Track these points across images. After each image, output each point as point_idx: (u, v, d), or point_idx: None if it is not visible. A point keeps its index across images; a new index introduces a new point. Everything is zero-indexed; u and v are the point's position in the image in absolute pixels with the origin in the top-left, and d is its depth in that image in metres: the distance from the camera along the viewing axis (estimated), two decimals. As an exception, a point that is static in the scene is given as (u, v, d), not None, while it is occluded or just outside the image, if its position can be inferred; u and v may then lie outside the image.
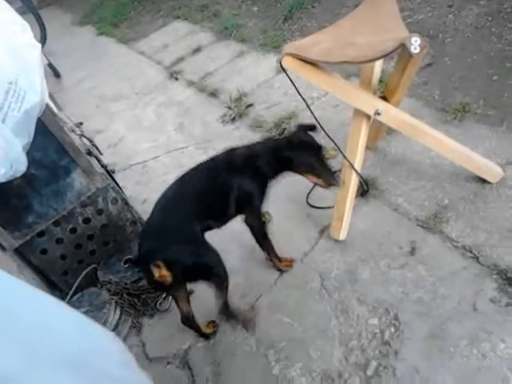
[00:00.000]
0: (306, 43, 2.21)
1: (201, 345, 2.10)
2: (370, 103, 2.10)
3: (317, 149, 2.07)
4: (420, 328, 1.85)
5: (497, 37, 3.07)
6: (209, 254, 1.87)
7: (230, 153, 2.12)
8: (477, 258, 1.98)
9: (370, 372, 1.79)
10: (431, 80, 3.02)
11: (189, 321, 2.01)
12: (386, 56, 1.85)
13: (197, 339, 2.12)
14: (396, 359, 1.79)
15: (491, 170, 2.24)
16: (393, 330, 1.88)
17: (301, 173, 2.10)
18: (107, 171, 2.76)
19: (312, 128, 2.14)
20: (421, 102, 2.87)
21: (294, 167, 2.08)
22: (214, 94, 3.86)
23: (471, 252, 2.01)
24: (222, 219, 2.07)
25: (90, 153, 2.54)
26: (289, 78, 2.23)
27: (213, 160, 2.12)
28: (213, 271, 1.88)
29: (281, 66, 2.18)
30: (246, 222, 2.12)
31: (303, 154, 2.04)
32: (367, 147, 2.39)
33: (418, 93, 2.94)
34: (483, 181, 2.26)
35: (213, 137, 3.37)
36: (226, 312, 1.97)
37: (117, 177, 3.05)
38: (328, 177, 2.06)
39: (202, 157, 3.17)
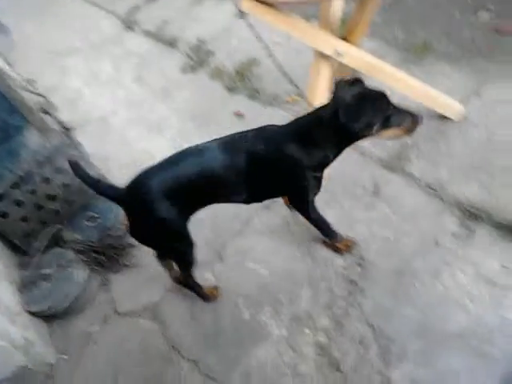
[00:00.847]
0: (264, -17, 2.13)
1: (171, 297, 2.10)
2: (330, 43, 2.06)
3: (381, 96, 1.59)
4: (385, 265, 1.89)
5: (458, -28, 3.02)
6: (174, 234, 1.67)
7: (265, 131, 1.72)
8: (439, 194, 2.02)
9: (337, 310, 1.83)
10: (393, 19, 2.97)
11: (164, 258, 1.95)
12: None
13: (167, 292, 2.12)
14: (363, 297, 1.84)
15: (453, 108, 2.25)
16: (359, 269, 1.92)
17: (377, 135, 1.60)
18: (64, 128, 2.66)
19: (357, 81, 1.62)
20: (383, 42, 2.83)
21: (366, 133, 1.57)
22: (172, 44, 3.71)
23: (433, 189, 2.04)
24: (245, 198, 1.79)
25: (44, 110, 2.44)
26: (248, 22, 2.16)
27: (246, 137, 1.70)
28: (170, 249, 1.76)
29: (239, 9, 2.09)
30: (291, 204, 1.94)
31: (370, 109, 1.54)
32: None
33: (380, 33, 2.89)
34: (445, 118, 2.26)
35: (173, 88, 3.27)
36: (186, 283, 1.96)
37: (75, 134, 2.95)
38: (410, 121, 1.64)
39: (162, 109, 3.10)
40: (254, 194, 1.78)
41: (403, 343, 1.71)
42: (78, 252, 2.32)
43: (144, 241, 1.74)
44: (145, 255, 2.27)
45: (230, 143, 1.67)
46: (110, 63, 3.87)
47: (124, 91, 3.48)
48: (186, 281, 1.94)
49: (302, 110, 2.43)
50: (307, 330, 1.82)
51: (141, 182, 1.61)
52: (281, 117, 2.64)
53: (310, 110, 1.71)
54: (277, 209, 2.22)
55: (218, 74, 3.18)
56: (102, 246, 2.34)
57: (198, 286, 1.97)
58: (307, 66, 2.27)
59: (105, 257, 2.33)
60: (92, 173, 2.41)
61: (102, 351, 2.05)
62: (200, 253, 1.87)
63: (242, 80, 3.00)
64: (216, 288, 2.04)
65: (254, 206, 2.06)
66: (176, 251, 1.76)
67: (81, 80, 3.81)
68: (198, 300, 2.02)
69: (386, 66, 2.14)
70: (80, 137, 2.98)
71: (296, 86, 2.23)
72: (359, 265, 1.93)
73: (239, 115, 2.78)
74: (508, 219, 1.92)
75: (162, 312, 2.07)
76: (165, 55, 3.65)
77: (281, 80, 2.30)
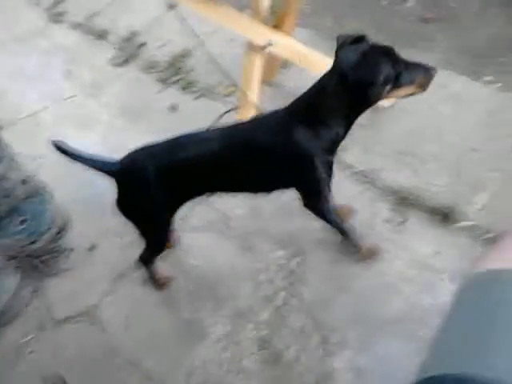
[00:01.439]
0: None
1: (109, 299, 2.04)
2: (261, 33, 2.04)
3: (390, 51, 1.44)
4: (323, 255, 1.91)
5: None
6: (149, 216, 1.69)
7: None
8: (372, 181, 2.06)
9: (278, 302, 1.84)
10: (323, 9, 2.98)
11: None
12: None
13: (105, 294, 2.05)
14: (302, 286, 1.86)
15: (383, 95, 2.29)
16: (298, 259, 1.93)
17: (388, 96, 1.49)
18: (-12, 128, 2.51)
19: (361, 38, 1.49)
20: (314, 31, 2.83)
21: (379, 95, 1.44)
22: (102, 36, 3.56)
23: (367, 177, 2.08)
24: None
25: (-38, 109, 2.28)
26: (178, 13, 2.11)
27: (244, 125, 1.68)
28: (149, 229, 1.75)
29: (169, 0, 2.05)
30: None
31: (384, 64, 1.39)
32: (265, 81, 2.34)
33: (311, 22, 2.89)
34: (376, 106, 2.30)
35: (104, 82, 3.15)
36: (144, 263, 1.91)
37: (3, 133, 2.79)
38: (423, 75, 1.48)
39: (93, 104, 2.99)
40: (257, 185, 1.72)
41: (343, 331, 1.74)
42: (8, 257, 2.20)
43: (127, 215, 1.71)
44: (81, 258, 2.20)
45: (230, 131, 1.63)
46: (36, 57, 3.68)
47: (53, 87, 3.31)
48: (146, 260, 1.90)
49: (236, 100, 2.41)
50: (249, 325, 1.82)
51: (137, 160, 1.60)
52: (216, 109, 2.60)
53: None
54: (213, 204, 2.19)
55: (150, 66, 3.08)
56: (34, 250, 2.23)
57: (153, 271, 1.94)
58: (240, 56, 2.25)
59: (38, 261, 2.23)
60: (18, 173, 2.31)
61: (37, 361, 1.96)
62: (137, 251, 1.83)
63: (174, 72, 2.93)
64: (169, 280, 2.01)
65: (190, 203, 2.03)
66: (154, 233, 1.76)
67: (6, 76, 3.60)
68: (136, 301, 1.98)
69: (319, 57, 2.14)
70: (9, 136, 2.82)
71: (229, 76, 2.20)
72: (298, 255, 1.94)
73: (173, 108, 2.72)
74: (439, 204, 1.99)
75: (100, 316, 2.00)
76: (94, 48, 3.50)
77: (214, 71, 2.27)
